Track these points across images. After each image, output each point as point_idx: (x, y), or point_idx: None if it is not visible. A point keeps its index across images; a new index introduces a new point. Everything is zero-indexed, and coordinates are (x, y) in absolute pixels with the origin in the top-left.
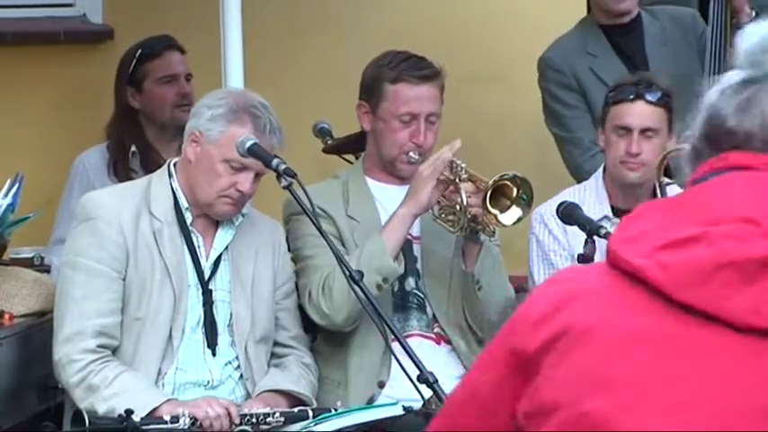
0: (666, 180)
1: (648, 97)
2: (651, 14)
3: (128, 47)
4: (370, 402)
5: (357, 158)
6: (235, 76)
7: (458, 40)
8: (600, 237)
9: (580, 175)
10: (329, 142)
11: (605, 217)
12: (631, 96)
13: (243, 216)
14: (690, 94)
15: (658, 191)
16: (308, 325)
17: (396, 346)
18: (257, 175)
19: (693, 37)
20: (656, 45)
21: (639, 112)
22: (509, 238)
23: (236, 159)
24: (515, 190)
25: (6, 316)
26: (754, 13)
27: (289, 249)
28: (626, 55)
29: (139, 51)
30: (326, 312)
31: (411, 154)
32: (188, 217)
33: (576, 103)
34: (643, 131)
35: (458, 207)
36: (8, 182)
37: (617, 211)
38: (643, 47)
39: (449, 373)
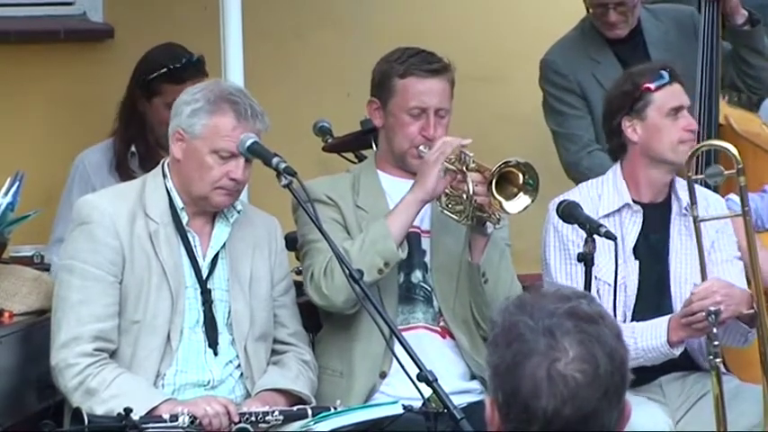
0: (695, 175)
1: (679, 77)
2: (654, 16)
3: (128, 46)
4: (371, 393)
5: (357, 157)
6: (235, 76)
7: (457, 40)
8: (600, 236)
9: (575, 172)
10: (329, 141)
11: (626, 205)
12: (669, 79)
13: (238, 212)
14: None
15: (686, 186)
16: (308, 323)
17: (396, 344)
18: (248, 161)
19: (694, 38)
20: (660, 51)
21: (680, 92)
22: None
23: (223, 149)
24: (521, 176)
25: (6, 314)
26: (747, 14)
27: (289, 248)
28: (629, 64)
29: (166, 69)
30: (326, 293)
31: (421, 148)
32: (183, 217)
33: (578, 105)
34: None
35: (464, 197)
36: (8, 180)
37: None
38: (646, 54)
39: (452, 368)
